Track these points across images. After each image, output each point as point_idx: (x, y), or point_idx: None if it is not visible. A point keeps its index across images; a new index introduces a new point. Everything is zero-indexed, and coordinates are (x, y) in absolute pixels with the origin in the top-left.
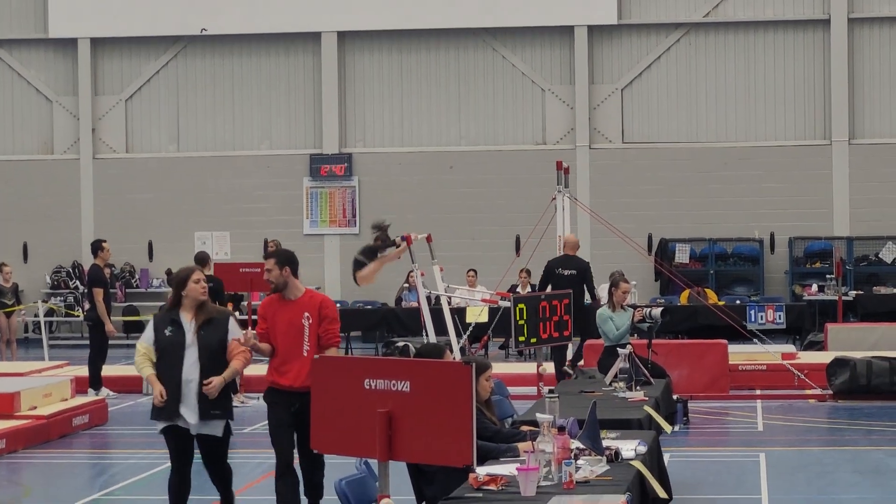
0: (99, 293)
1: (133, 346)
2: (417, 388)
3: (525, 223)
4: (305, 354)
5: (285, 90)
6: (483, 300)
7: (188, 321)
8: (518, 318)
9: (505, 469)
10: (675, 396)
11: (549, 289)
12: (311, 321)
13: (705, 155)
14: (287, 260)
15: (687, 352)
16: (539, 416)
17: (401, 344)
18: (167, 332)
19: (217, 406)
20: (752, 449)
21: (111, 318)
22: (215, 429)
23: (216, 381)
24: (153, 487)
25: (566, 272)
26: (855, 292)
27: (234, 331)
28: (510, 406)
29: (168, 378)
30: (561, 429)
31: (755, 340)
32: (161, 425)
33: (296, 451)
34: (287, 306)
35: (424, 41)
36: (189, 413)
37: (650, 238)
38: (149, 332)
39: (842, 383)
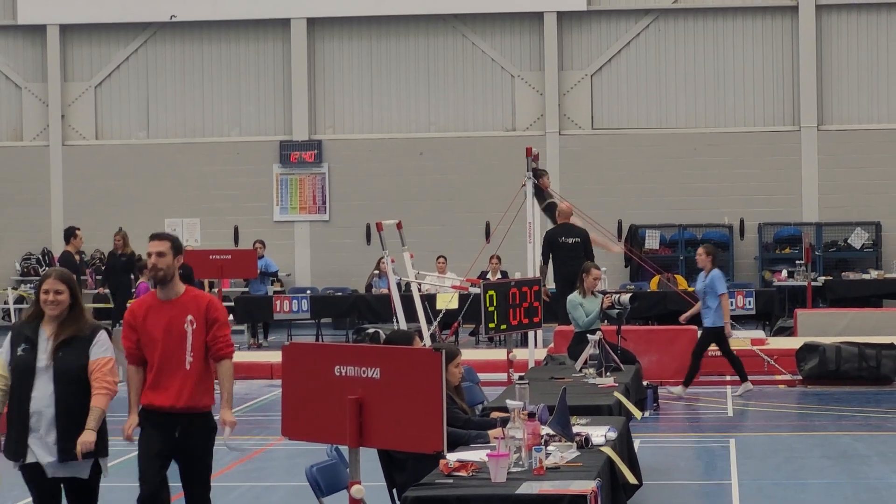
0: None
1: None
2: (388, 374)
3: (495, 210)
4: (189, 367)
5: (255, 77)
6: (453, 287)
7: (46, 338)
8: (488, 305)
9: (475, 455)
10: (645, 382)
11: (551, 259)
12: (195, 326)
13: (675, 141)
14: (180, 248)
15: (657, 338)
16: (509, 402)
17: (371, 330)
18: (20, 351)
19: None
20: (721, 434)
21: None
22: (79, 470)
23: (85, 437)
24: (124, 475)
25: (570, 240)
26: (824, 278)
27: (99, 349)
28: (480, 392)
29: (14, 410)
30: (531, 415)
31: None
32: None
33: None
34: (164, 308)
35: (394, 27)
36: (42, 453)
37: (620, 224)
38: (5, 346)
39: (811, 369)
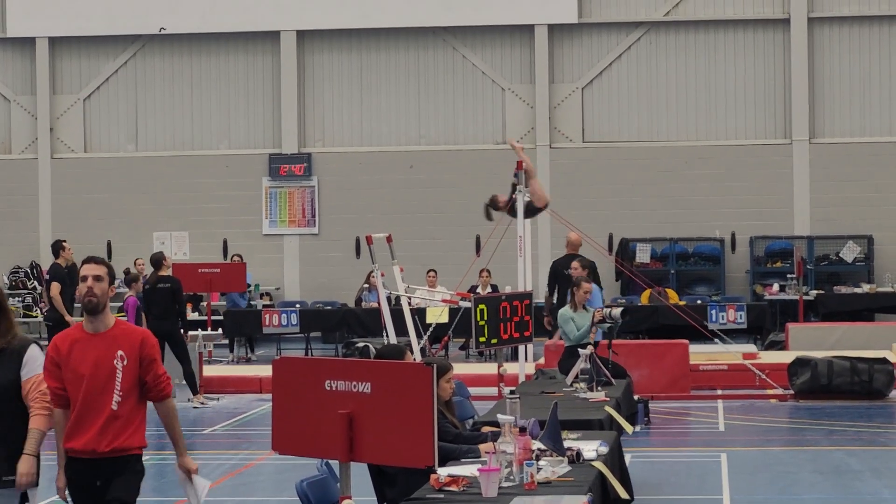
0: (56, 287)
1: None
2: (378, 389)
3: (485, 223)
4: (115, 408)
5: (244, 89)
6: (443, 300)
7: None
8: (479, 319)
9: (466, 470)
10: (636, 397)
11: (556, 289)
12: (126, 363)
13: (666, 154)
14: (115, 276)
15: (648, 352)
16: (500, 416)
17: (361, 345)
18: None
19: (15, 468)
20: (713, 449)
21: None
22: (8, 499)
23: (25, 466)
24: None
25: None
26: (816, 292)
27: (32, 366)
28: (471, 407)
29: None
30: (522, 430)
31: (716, 340)
32: None
33: None
34: (93, 342)
35: (384, 40)
36: None
37: (611, 238)
38: None
39: (803, 383)
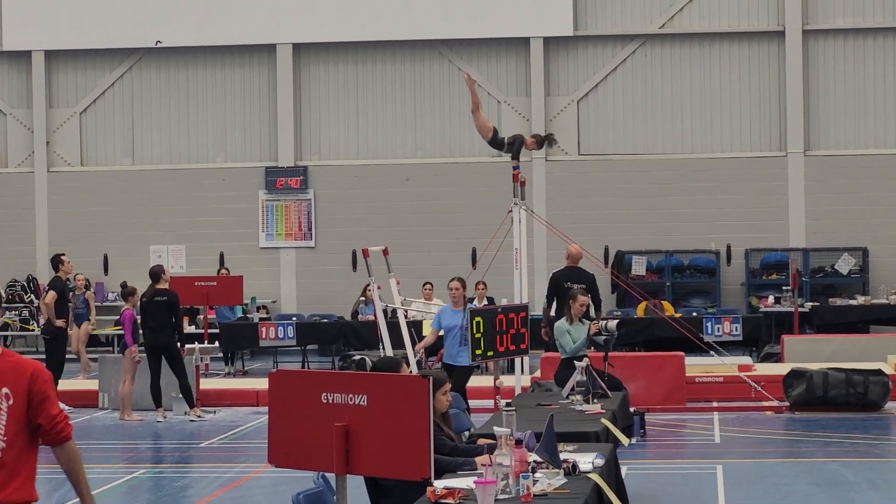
0: (52, 296)
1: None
2: (375, 401)
3: (481, 236)
4: (0, 455)
5: (241, 102)
6: None
7: None
8: (474, 331)
9: (462, 482)
10: (632, 409)
11: (555, 301)
12: (12, 402)
13: (661, 167)
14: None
15: (643, 364)
16: (496, 429)
17: (357, 357)
18: None
19: None
20: (709, 461)
21: (69, 331)
22: None
23: None
24: (110, 502)
25: (575, 285)
26: (811, 304)
27: None
28: (467, 419)
29: None
30: (518, 442)
31: (712, 352)
32: None
33: None
34: None
35: (380, 53)
36: None
37: (606, 250)
38: None
39: (798, 395)
